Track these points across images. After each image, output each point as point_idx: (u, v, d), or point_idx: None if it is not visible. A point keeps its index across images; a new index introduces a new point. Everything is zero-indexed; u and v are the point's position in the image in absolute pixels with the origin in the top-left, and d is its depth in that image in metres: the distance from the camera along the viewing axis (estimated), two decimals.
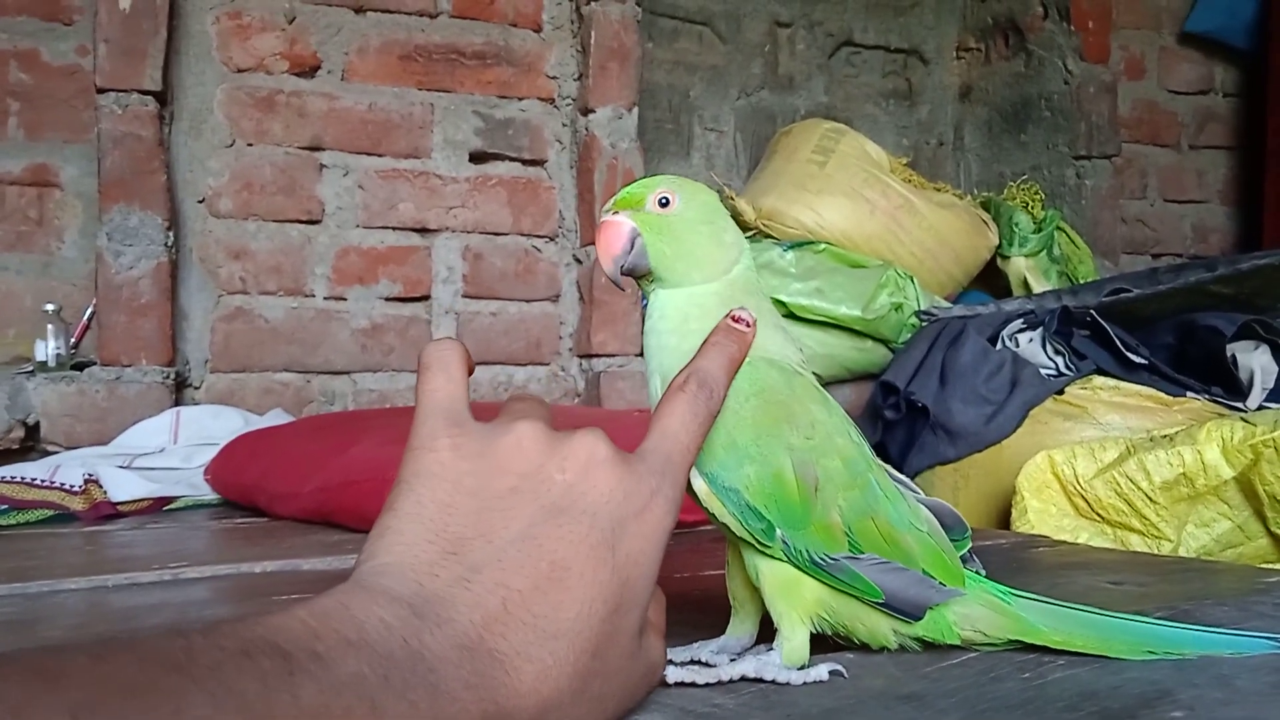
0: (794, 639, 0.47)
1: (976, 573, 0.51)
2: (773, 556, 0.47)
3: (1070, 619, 0.49)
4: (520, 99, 2.03)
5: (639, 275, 0.50)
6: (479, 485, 0.37)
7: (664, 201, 0.50)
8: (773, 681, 0.46)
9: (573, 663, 0.35)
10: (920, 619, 0.48)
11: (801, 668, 0.46)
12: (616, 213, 0.50)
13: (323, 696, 0.28)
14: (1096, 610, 0.50)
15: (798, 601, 0.47)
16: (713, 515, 0.47)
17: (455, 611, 0.34)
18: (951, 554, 0.50)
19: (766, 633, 0.49)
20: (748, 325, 0.47)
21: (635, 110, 1.99)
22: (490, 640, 0.33)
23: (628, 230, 0.49)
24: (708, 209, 0.51)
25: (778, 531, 0.46)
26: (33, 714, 0.23)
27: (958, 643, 0.49)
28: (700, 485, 0.46)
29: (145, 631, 0.27)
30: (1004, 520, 1.40)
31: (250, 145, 1.85)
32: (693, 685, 0.45)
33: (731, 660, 0.47)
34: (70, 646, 0.25)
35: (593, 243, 1.97)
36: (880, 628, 0.49)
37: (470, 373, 0.42)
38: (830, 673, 0.46)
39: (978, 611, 0.49)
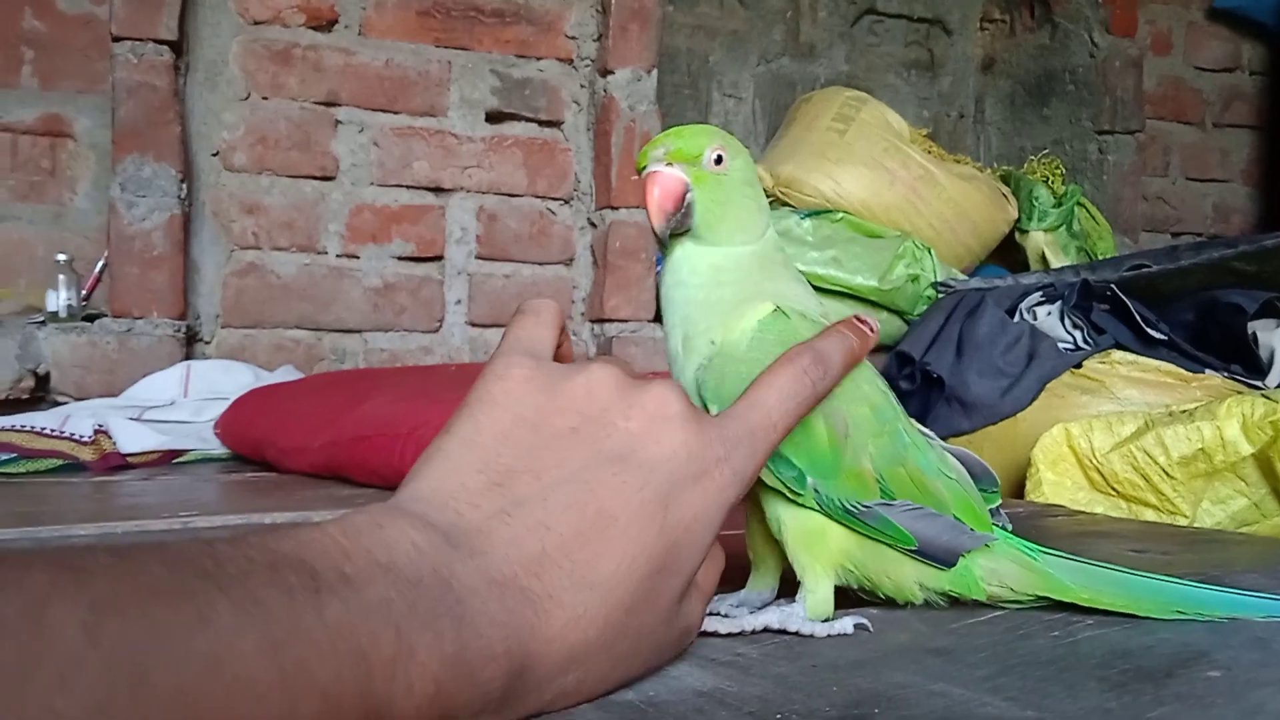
0: (818, 591, 0.46)
1: (1003, 528, 0.50)
2: (804, 505, 0.46)
3: (1098, 577, 0.48)
4: (538, 59, 2.00)
5: (678, 233, 0.48)
6: (540, 420, 0.35)
7: (719, 159, 0.48)
8: (796, 633, 0.45)
9: (604, 616, 0.33)
10: (953, 566, 0.47)
11: (826, 620, 0.45)
12: (670, 164, 0.48)
13: (349, 617, 0.27)
14: (1125, 569, 0.48)
15: (822, 553, 0.46)
16: None
17: (490, 545, 0.32)
18: (979, 501, 0.49)
19: (786, 590, 0.48)
20: (872, 330, 0.46)
21: (654, 73, 1.97)
22: (523, 579, 0.32)
23: (682, 187, 0.47)
24: (750, 169, 0.50)
25: (809, 480, 0.45)
26: (54, 604, 0.22)
27: (983, 598, 0.48)
28: None
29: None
30: (1018, 493, 1.39)
31: (265, 99, 1.83)
32: (715, 635, 0.45)
33: (753, 612, 0.46)
34: (94, 546, 0.25)
35: (608, 205, 1.97)
36: (906, 581, 0.47)
37: (562, 332, 0.41)
38: (855, 626, 0.45)
39: (1005, 566, 0.48)
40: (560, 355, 0.41)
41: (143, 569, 0.24)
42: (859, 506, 0.46)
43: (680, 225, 0.48)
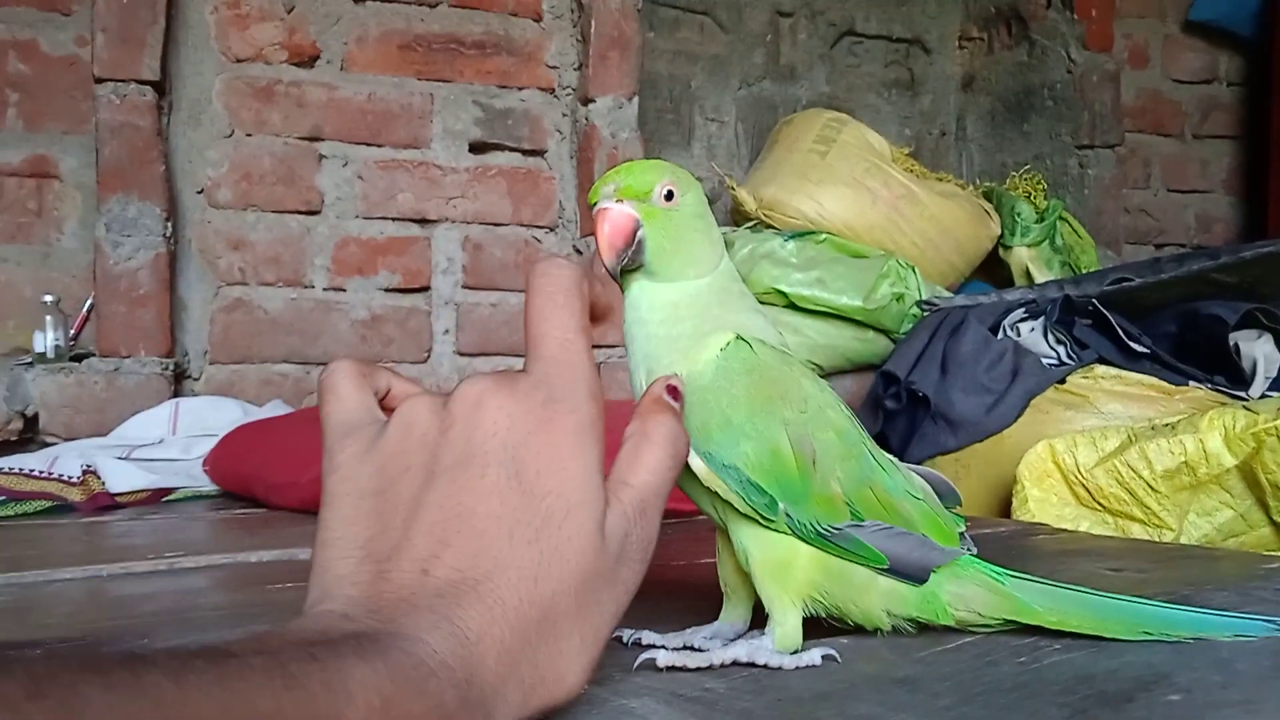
0: (786, 623, 0.46)
1: (969, 553, 0.50)
2: (777, 530, 0.46)
3: (1065, 599, 0.49)
4: (520, 89, 2.02)
5: (630, 269, 0.49)
6: (378, 484, 0.37)
7: (669, 195, 0.49)
8: (765, 666, 0.45)
9: (518, 595, 0.34)
10: (924, 582, 0.48)
11: (794, 652, 0.46)
12: (620, 200, 0.48)
13: (274, 660, 0.28)
14: (1092, 591, 0.49)
15: (790, 584, 0.47)
16: (711, 498, 0.47)
17: (384, 599, 0.34)
18: (947, 518, 0.50)
19: (760, 620, 0.49)
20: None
21: (636, 100, 1.98)
22: (432, 608, 0.33)
23: (633, 223, 0.48)
24: (701, 202, 0.50)
25: (780, 505, 0.46)
26: None
27: (951, 623, 0.49)
28: (699, 465, 0.46)
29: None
30: (1005, 510, 1.39)
31: (249, 135, 1.85)
32: (684, 669, 0.45)
33: (724, 645, 0.47)
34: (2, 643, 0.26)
35: (593, 233, 1.97)
36: (874, 609, 0.48)
37: (381, 374, 0.43)
38: (823, 657, 0.46)
39: (972, 590, 0.49)
40: (391, 396, 0.43)
41: (62, 658, 0.25)
42: (830, 529, 0.46)
43: (633, 261, 0.48)
